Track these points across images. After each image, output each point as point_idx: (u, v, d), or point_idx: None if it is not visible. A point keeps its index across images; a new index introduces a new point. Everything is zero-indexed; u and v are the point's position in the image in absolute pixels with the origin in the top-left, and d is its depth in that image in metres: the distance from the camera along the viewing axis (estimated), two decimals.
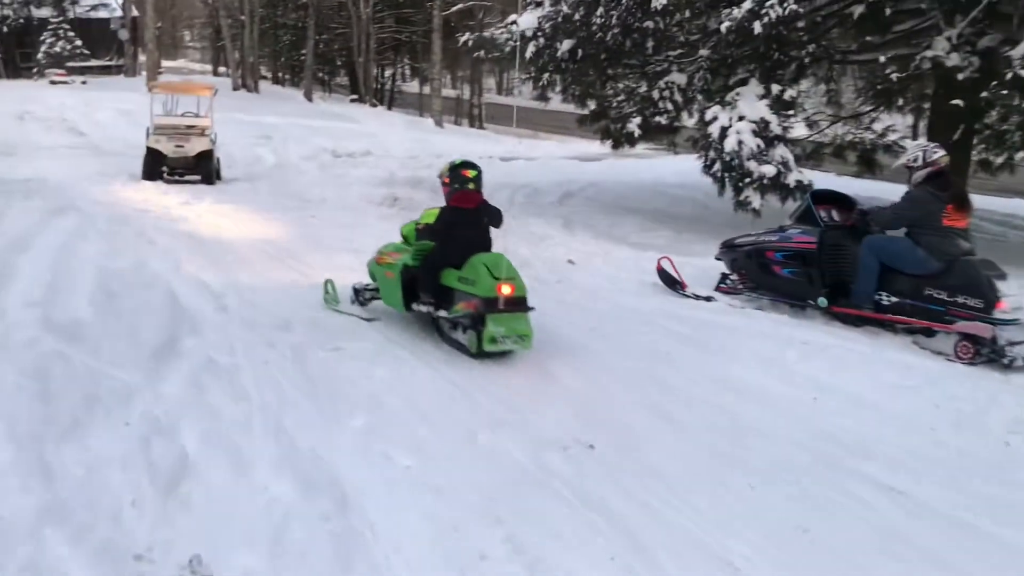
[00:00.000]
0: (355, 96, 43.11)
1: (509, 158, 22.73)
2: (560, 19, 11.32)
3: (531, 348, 4.90)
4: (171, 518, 2.64)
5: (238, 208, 10.86)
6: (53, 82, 34.42)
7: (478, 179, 5.57)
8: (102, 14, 46.66)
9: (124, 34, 43.32)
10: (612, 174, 16.69)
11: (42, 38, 40.31)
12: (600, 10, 10.82)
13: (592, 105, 12.37)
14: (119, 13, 45.70)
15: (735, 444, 3.81)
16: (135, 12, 43.87)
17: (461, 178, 5.48)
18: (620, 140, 11.95)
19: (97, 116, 24.68)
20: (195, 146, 14.23)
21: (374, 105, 40.03)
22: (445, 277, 5.28)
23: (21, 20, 44.43)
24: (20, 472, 2.85)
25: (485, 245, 5.45)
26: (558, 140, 36.31)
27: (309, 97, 38.43)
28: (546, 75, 11.94)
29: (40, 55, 39.60)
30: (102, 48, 45.64)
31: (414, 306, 5.43)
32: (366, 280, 6.14)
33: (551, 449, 3.47)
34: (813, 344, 5.58)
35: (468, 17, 40.29)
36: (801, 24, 9.73)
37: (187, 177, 14.31)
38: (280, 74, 52.24)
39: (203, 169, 14.23)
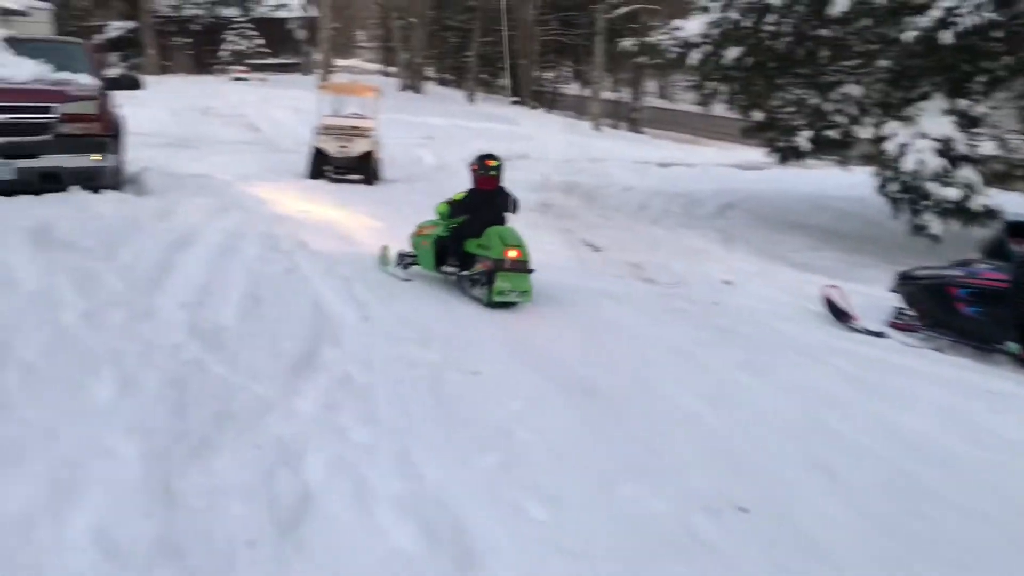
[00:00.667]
0: (516, 98, 43.44)
1: (667, 164, 22.18)
2: (729, 25, 10.84)
3: (531, 301, 6.23)
4: (286, 564, 2.50)
5: (393, 210, 10.94)
6: (235, 79, 36.40)
7: (499, 168, 6.90)
8: (282, 14, 48.99)
9: (301, 33, 45.29)
10: (774, 185, 15.90)
11: (224, 36, 42.61)
12: (772, 17, 10.28)
13: (759, 115, 11.78)
14: (298, 13, 47.81)
15: (912, 513, 3.36)
16: (313, 12, 45.80)
17: (485, 167, 6.85)
18: (788, 154, 11.33)
19: (273, 113, 25.85)
20: (358, 147, 14.56)
21: (534, 107, 40.17)
22: (467, 245, 6.62)
23: (210, 19, 47.31)
24: (146, 493, 2.80)
25: (500, 220, 6.78)
26: (718, 146, 35.32)
27: (471, 98, 38.94)
28: (711, 83, 11.48)
29: (224, 52, 41.89)
30: (281, 47, 47.92)
31: (442, 268, 6.91)
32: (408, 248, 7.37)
33: (699, 510, 3.14)
34: (1002, 395, 4.98)
35: (632, 21, 39.77)
36: (999, 34, 8.88)
37: (349, 177, 14.68)
38: (445, 75, 53.30)
39: (365, 170, 14.54)
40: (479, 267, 6.33)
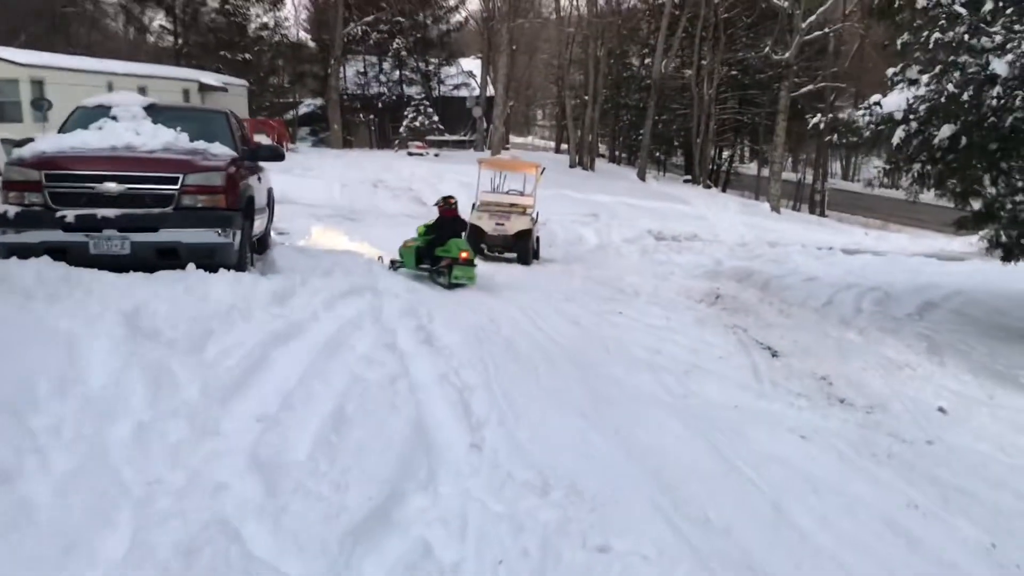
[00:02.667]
0: (688, 177, 42.18)
1: (853, 251, 20.23)
2: (940, 99, 9.28)
3: (475, 283, 10.00)
4: None
5: (542, 297, 9.93)
6: (410, 154, 37.08)
7: (456, 204, 11.40)
8: (462, 93, 50.19)
9: (478, 111, 46.04)
10: (982, 280, 13.80)
11: (405, 113, 43.81)
12: (997, 89, 8.66)
13: (977, 204, 10.02)
14: (476, 92, 48.79)
15: None
16: (490, 92, 46.56)
17: (447, 203, 11.38)
18: (1014, 249, 9.50)
19: (440, 187, 25.73)
20: (515, 225, 13.75)
21: (708, 187, 38.72)
22: (437, 251, 10.36)
23: (394, 97, 49.05)
24: None
25: (457, 235, 10.81)
26: (910, 232, 32.59)
27: (642, 176, 37.98)
28: (917, 165, 9.88)
29: (402, 128, 43.02)
30: (458, 124, 48.95)
31: (420, 266, 10.52)
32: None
33: None
34: None
35: (817, 99, 37.89)
36: None
37: (504, 256, 13.88)
38: (617, 152, 52.77)
39: (521, 248, 13.70)
40: (444, 263, 10.21)
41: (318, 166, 28.64)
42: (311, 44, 51.18)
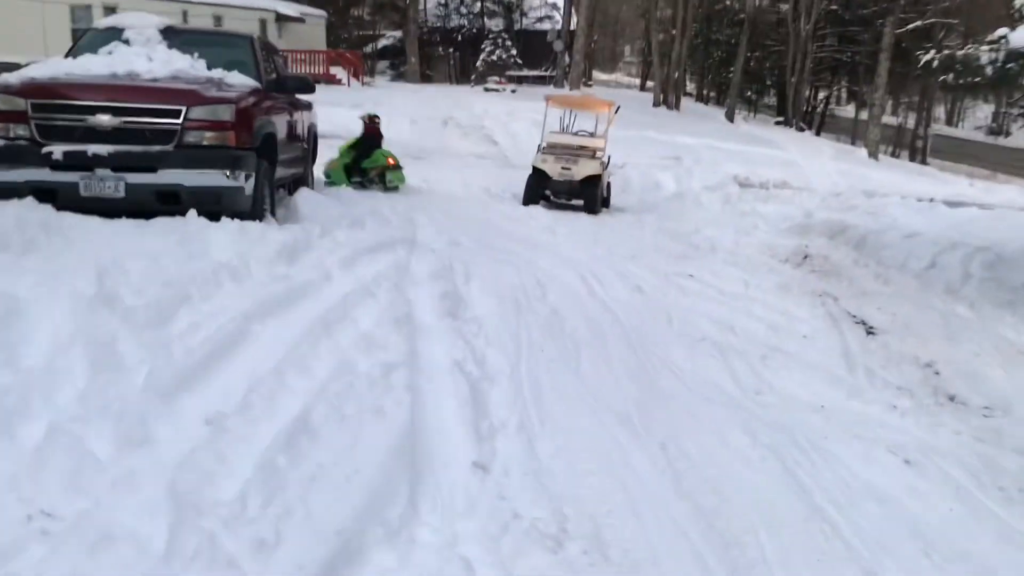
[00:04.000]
0: (781, 118, 39.97)
1: (956, 203, 18.41)
2: None
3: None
4: None
5: (604, 254, 8.86)
6: (487, 89, 35.83)
7: (379, 121, 13.16)
8: (544, 26, 48.42)
9: (559, 45, 44.29)
10: None
11: (483, 46, 42.44)
12: None
13: None
14: (560, 25, 46.97)
15: None
16: (574, 25, 44.76)
17: (372, 120, 13.06)
18: None
19: (513, 126, 24.56)
20: (583, 169, 12.60)
21: (801, 129, 36.52)
22: (364, 164, 11.92)
23: (474, 30, 47.61)
24: None
25: (379, 147, 12.36)
26: (1020, 184, 30.12)
27: (731, 117, 35.99)
28: None
29: (479, 63, 41.69)
30: (539, 59, 47.27)
31: (352, 180, 11.71)
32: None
33: None
34: None
35: (924, 37, 35.10)
36: None
37: (572, 202, 12.78)
38: (705, 92, 50.46)
39: (588, 196, 12.57)
40: (373, 172, 11.83)
41: (389, 101, 27.70)
42: None
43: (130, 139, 6.05)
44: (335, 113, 22.45)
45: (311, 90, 8.25)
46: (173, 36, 7.31)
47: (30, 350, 3.77)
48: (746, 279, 8.31)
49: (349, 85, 33.64)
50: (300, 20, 38.50)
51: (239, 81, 6.84)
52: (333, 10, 43.39)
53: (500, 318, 5.49)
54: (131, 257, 5.01)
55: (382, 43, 51.39)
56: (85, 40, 7.38)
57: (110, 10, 26.10)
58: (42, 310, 4.13)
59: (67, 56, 7.15)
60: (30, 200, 5.85)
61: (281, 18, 37.19)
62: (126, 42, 7.08)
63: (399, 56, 48.81)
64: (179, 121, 6.13)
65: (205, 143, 6.21)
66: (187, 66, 6.79)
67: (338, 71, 34.83)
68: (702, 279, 8.03)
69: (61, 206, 5.91)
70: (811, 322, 6.94)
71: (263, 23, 35.83)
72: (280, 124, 7.50)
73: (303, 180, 9.20)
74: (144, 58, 6.79)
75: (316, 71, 33.80)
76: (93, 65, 6.52)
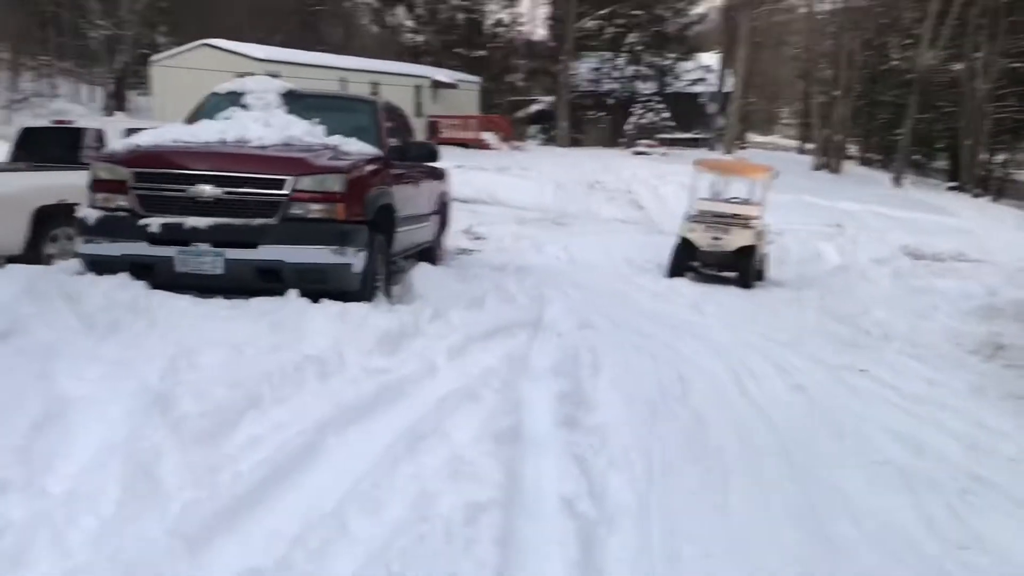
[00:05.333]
0: (954, 183, 37.19)
1: None
2: None
3: None
4: None
5: (758, 339, 7.78)
6: (637, 153, 35.10)
7: None
8: (696, 88, 47.50)
9: (712, 107, 43.26)
10: None
11: (631, 110, 41.92)
12: None
13: None
14: (713, 88, 45.96)
15: None
16: (728, 87, 43.62)
17: None
18: None
19: (662, 190, 23.63)
20: (735, 239, 11.54)
21: (977, 195, 33.76)
22: None
23: (626, 94, 47.22)
24: None
25: None
26: None
27: (898, 181, 33.73)
28: None
29: (629, 126, 41.12)
30: (690, 121, 46.26)
31: None
32: None
33: None
34: None
35: None
36: None
37: (722, 275, 11.72)
38: (868, 155, 47.92)
39: (740, 268, 11.49)
40: None
41: (536, 165, 27.41)
42: (545, 41, 50.45)
43: (231, 211, 5.58)
44: (479, 177, 22.32)
45: (434, 157, 7.70)
46: (294, 101, 6.92)
47: (63, 467, 3.20)
48: (930, 376, 7.04)
49: (498, 150, 33.70)
50: (454, 86, 39.16)
51: (356, 148, 6.32)
52: (488, 76, 44.02)
53: (629, 427, 4.58)
54: (210, 346, 4.44)
55: (534, 108, 51.77)
56: (206, 104, 7.10)
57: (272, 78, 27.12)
58: (94, 414, 3.59)
59: (188, 121, 6.88)
60: (125, 276, 5.46)
61: (436, 84, 37.91)
62: (244, 106, 6.72)
63: (550, 120, 48.95)
64: (284, 192, 5.63)
65: (312, 216, 5.67)
66: (303, 132, 6.34)
67: (488, 136, 35.01)
68: (877, 376, 6.83)
69: (157, 283, 5.49)
70: (1018, 438, 5.65)
71: (418, 89, 36.60)
72: (401, 194, 6.93)
73: (430, 253, 8.63)
74: (260, 124, 6.40)
75: (467, 136, 34.13)
76: (204, 132, 6.16)
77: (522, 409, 4.42)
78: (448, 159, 23.34)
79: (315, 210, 5.67)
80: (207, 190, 5.57)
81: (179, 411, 3.63)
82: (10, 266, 6.37)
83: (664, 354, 6.55)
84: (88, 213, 5.72)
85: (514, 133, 38.69)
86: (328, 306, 5.35)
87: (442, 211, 9.32)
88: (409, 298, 6.58)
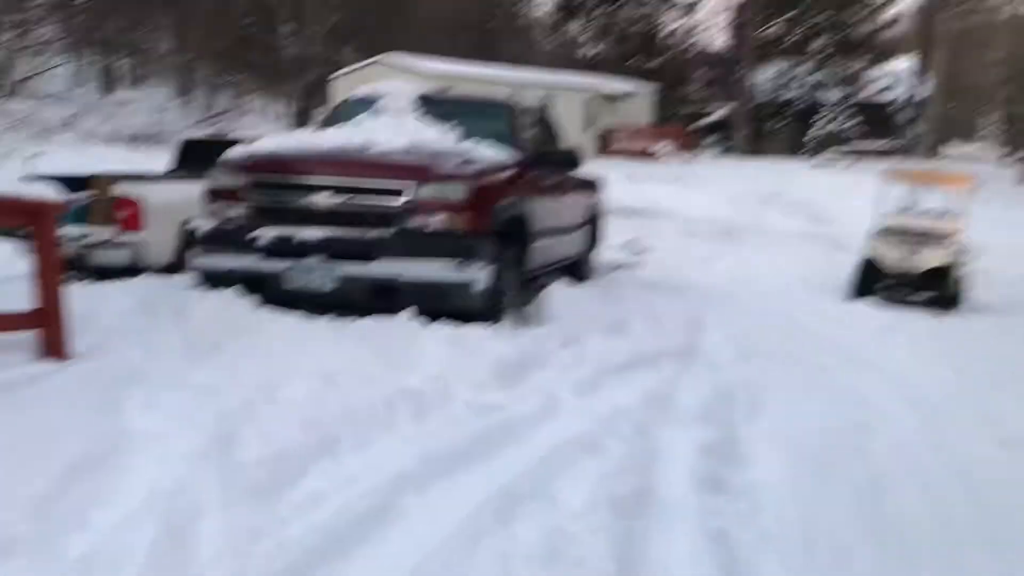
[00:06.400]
0: None
1: None
2: None
3: None
4: None
5: (953, 375, 6.58)
6: (819, 164, 33.10)
7: None
8: (886, 96, 44.49)
9: (905, 115, 40.29)
10: None
11: (813, 120, 39.69)
12: None
13: None
14: (906, 95, 42.87)
15: None
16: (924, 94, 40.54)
17: None
18: None
19: (845, 204, 21.89)
20: (928, 258, 10.17)
21: None
22: None
23: (809, 102, 44.85)
24: None
25: None
26: None
27: None
28: None
29: (812, 136, 38.92)
30: (880, 130, 43.30)
31: None
32: None
33: None
34: None
35: None
36: None
37: (913, 299, 10.37)
38: None
39: (933, 290, 10.11)
40: None
41: (711, 176, 26.24)
42: (724, 49, 48.83)
43: (345, 222, 5.13)
44: (647, 188, 21.47)
45: (575, 164, 7.00)
46: (428, 105, 6.42)
47: (94, 521, 2.72)
48: None
49: (672, 160, 32.67)
50: (627, 97, 38.43)
51: (487, 155, 5.74)
52: (664, 86, 42.96)
53: (790, 490, 3.71)
54: (299, 376, 3.95)
55: (712, 117, 50.16)
56: (339, 110, 6.76)
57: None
58: (151, 454, 3.14)
59: (320, 128, 6.55)
60: (236, 291, 5.11)
61: (609, 95, 37.33)
62: (376, 111, 6.30)
63: (728, 130, 47.23)
64: (402, 201, 5.11)
65: (432, 228, 5.13)
66: (432, 138, 5.82)
67: (662, 146, 34.05)
68: None
69: (269, 298, 5.10)
70: None
71: (590, 100, 36.15)
72: (538, 205, 6.29)
73: (576, 268, 7.95)
74: (388, 129, 5.93)
75: (639, 147, 33.45)
76: (327, 138, 5.76)
77: (654, 465, 3.64)
78: (617, 169, 22.67)
79: (435, 221, 5.12)
80: (319, 199, 5.14)
81: (238, 456, 3.12)
82: (138, 278, 6.23)
83: (840, 395, 5.55)
84: (202, 224, 5.43)
85: (690, 143, 37.43)
86: (439, 329, 4.78)
87: (592, 223, 8.62)
88: (540, 320, 5.91)
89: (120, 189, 6.98)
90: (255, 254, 5.16)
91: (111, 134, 25.76)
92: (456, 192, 5.15)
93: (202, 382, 3.96)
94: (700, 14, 49.16)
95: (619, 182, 19.06)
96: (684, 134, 37.54)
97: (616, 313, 6.28)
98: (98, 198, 6.95)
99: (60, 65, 28.93)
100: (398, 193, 5.12)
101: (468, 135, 6.00)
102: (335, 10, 35.31)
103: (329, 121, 6.59)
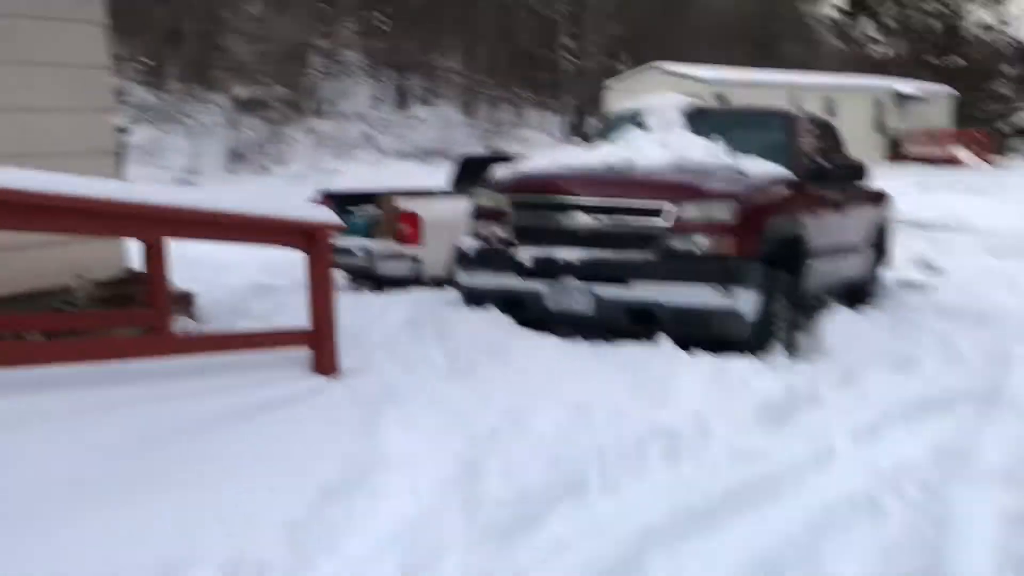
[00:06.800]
0: None
1: None
2: None
3: None
4: None
5: None
6: None
7: None
8: None
9: None
10: None
11: None
12: None
13: None
14: None
15: None
16: None
17: None
18: None
19: None
20: None
21: None
22: None
23: None
24: None
25: None
26: None
27: None
28: None
29: None
30: None
31: None
32: None
33: None
34: None
35: None
36: None
37: None
38: None
39: None
40: None
41: (1012, 184, 23.49)
42: None
43: (604, 243, 4.97)
44: (943, 198, 19.54)
45: (860, 176, 6.35)
46: (699, 119, 6.11)
47: (342, 549, 2.72)
48: None
49: (974, 167, 29.64)
50: (922, 99, 35.42)
51: (760, 170, 5.34)
52: (964, 86, 39.13)
53: None
54: (552, 403, 3.84)
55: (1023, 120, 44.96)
56: (607, 125, 6.63)
57: (719, 99, 26.51)
58: (404, 480, 3.14)
59: (589, 143, 6.48)
60: (496, 310, 5.14)
61: (900, 97, 34.61)
62: (642, 127, 6.10)
63: None
64: (663, 222, 4.86)
65: (694, 250, 4.83)
66: (701, 153, 5.52)
67: (961, 151, 31.03)
68: None
69: (527, 318, 5.07)
70: None
71: (879, 103, 33.74)
72: (816, 224, 5.77)
73: (859, 291, 7.27)
74: (655, 145, 5.71)
75: (935, 152, 30.79)
76: (593, 156, 5.63)
77: (947, 537, 3.11)
78: (908, 176, 20.83)
79: (699, 243, 4.81)
80: (579, 220, 5.02)
81: (483, 489, 3.03)
82: (410, 294, 6.47)
83: None
84: (466, 242, 5.52)
85: (996, 148, 33.75)
86: (698, 361, 4.47)
87: (879, 241, 7.85)
88: (814, 353, 5.39)
89: (403, 204, 7.32)
90: (515, 273, 5.15)
91: (404, 150, 27.60)
92: (722, 212, 4.82)
93: (456, 405, 3.96)
94: (1010, 5, 44.29)
95: (909, 191, 17.48)
96: (989, 138, 33.89)
97: (904, 345, 5.61)
98: (384, 213, 7.34)
99: (360, 85, 31.44)
100: (658, 213, 4.88)
101: (741, 149, 5.63)
102: (614, 20, 35.60)
103: (599, 136, 6.49)
